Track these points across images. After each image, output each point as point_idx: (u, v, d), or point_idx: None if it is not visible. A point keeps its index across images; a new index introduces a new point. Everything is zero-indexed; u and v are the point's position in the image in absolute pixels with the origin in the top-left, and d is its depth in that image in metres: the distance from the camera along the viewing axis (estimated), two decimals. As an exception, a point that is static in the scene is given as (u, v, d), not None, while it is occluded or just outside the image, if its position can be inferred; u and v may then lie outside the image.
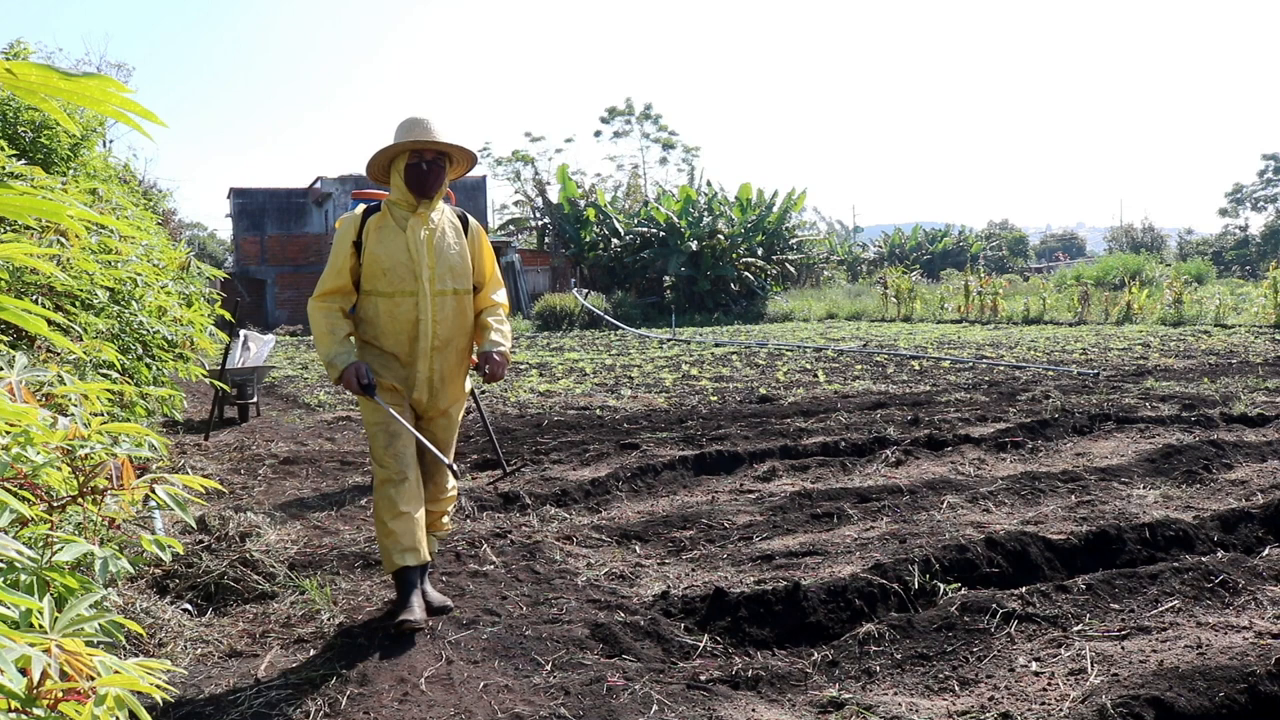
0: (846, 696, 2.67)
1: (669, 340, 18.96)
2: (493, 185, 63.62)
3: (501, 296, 3.58)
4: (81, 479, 1.67)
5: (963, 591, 3.37)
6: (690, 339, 19.00)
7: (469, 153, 3.41)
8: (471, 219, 3.58)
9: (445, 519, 3.66)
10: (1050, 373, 10.70)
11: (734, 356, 14.37)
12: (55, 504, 1.67)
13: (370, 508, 5.13)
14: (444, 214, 3.47)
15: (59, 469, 1.67)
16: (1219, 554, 3.65)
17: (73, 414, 1.78)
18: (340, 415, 8.81)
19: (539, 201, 32.68)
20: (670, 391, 9.96)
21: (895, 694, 2.72)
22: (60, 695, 1.15)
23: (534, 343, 19.45)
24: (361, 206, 3.44)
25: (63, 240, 3.29)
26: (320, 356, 3.35)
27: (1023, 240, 63.66)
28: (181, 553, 3.72)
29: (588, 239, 30.16)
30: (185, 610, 3.41)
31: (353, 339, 3.37)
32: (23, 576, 1.39)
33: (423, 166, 3.29)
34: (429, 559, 3.38)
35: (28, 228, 3.28)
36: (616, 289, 28.94)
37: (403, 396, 3.38)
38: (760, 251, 29.91)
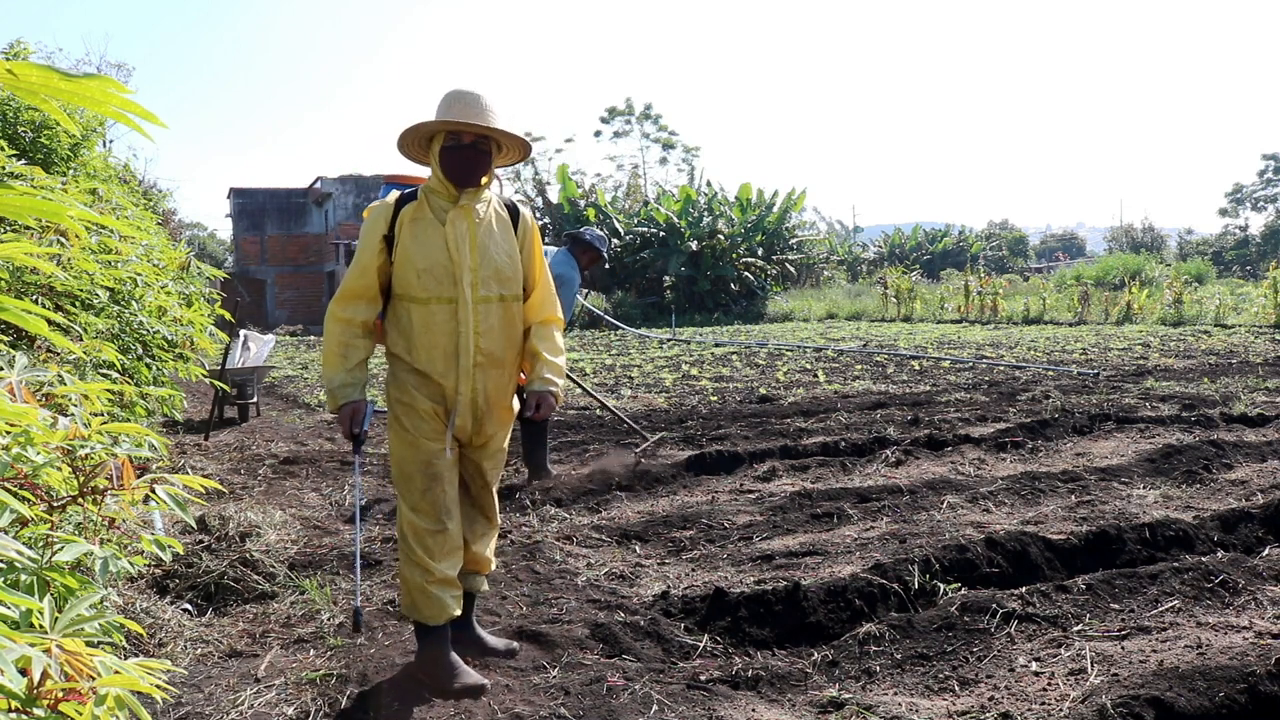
0: (846, 696, 2.67)
1: (669, 340, 18.96)
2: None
3: (555, 310, 3.01)
4: (81, 479, 1.67)
5: (963, 591, 3.37)
6: (690, 339, 19.00)
7: (519, 140, 2.83)
8: (524, 210, 3.00)
9: (488, 553, 3.07)
10: (1050, 373, 10.70)
11: (734, 356, 14.37)
12: (55, 504, 1.67)
13: (369, 510, 5.13)
14: (490, 205, 2.90)
15: (59, 469, 1.67)
16: (1219, 554, 3.65)
17: (73, 414, 1.78)
18: (340, 415, 8.80)
19: (539, 201, 32.67)
20: (670, 391, 9.96)
21: (895, 694, 2.72)
22: (60, 695, 1.15)
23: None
24: (394, 194, 2.90)
25: (63, 240, 3.29)
26: (323, 379, 2.85)
27: (1023, 240, 63.65)
28: (181, 553, 3.71)
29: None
30: (185, 610, 3.41)
31: (364, 369, 2.85)
32: (23, 576, 1.39)
33: (459, 151, 2.76)
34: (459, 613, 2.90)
35: (28, 228, 3.28)
36: (616, 289, 28.94)
37: (443, 424, 2.83)
38: (760, 251, 29.90)
